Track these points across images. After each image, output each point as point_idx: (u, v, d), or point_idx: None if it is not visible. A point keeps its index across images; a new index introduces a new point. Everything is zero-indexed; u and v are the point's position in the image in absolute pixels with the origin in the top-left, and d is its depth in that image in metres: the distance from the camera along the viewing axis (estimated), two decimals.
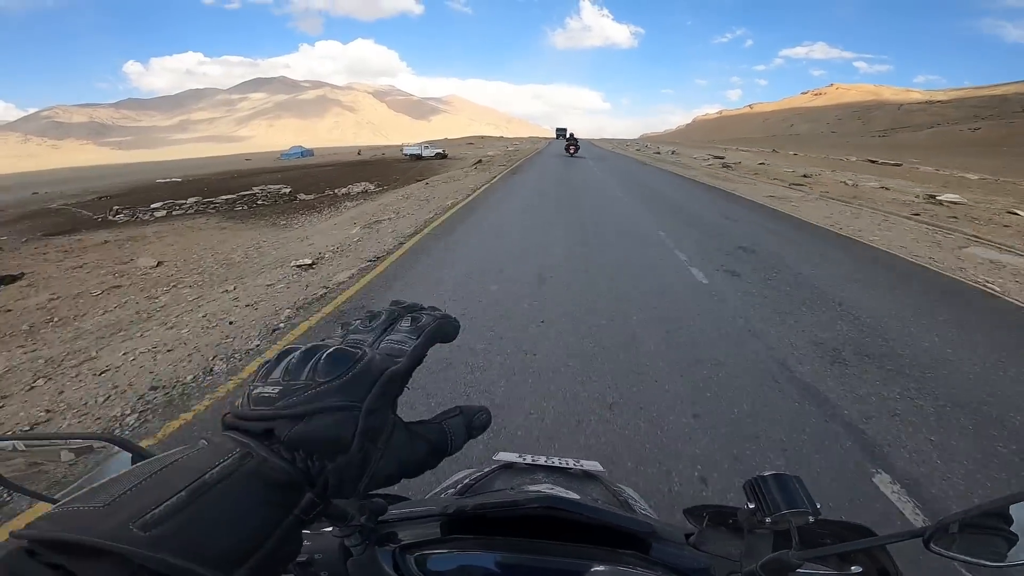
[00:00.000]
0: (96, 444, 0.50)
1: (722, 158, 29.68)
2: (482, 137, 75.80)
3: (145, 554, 0.20)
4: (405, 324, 0.33)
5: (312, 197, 15.29)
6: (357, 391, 0.28)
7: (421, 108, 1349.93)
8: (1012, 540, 0.42)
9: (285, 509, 0.25)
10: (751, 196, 10.72)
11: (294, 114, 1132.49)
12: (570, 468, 0.84)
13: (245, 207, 14.01)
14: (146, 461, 0.24)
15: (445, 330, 0.34)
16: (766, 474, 0.52)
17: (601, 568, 0.52)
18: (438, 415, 0.34)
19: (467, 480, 0.84)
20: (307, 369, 0.28)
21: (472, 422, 0.34)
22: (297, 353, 0.29)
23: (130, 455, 0.49)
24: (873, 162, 31.28)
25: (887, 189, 13.44)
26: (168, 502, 0.21)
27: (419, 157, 39.17)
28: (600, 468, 0.85)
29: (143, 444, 1.49)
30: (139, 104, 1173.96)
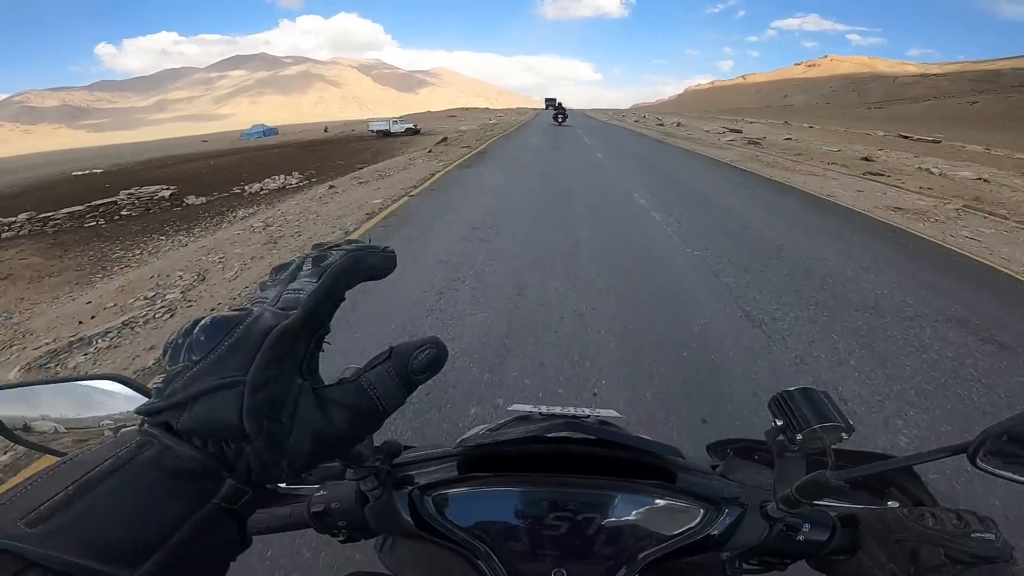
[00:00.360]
0: (106, 384, 0.48)
1: (740, 131, 25.47)
2: (467, 109, 70.65)
3: (32, 550, 0.19)
4: (307, 267, 0.28)
5: (203, 201, 11.39)
6: (238, 362, 0.24)
7: (408, 81, 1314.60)
8: None
9: (198, 499, 0.23)
10: (855, 204, 6.86)
11: (276, 90, 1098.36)
12: (587, 417, 0.80)
13: (101, 221, 10.14)
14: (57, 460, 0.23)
15: (365, 264, 0.28)
16: (792, 389, 0.49)
17: (625, 498, 0.51)
18: (364, 364, 0.28)
19: (482, 431, 0.79)
20: (183, 348, 0.25)
21: (409, 365, 0.28)
22: (178, 332, 0.26)
23: (137, 393, 0.48)
24: (906, 138, 27.55)
25: (986, 181, 9.86)
26: (55, 497, 0.20)
27: (387, 133, 35.08)
28: (617, 415, 0.83)
29: None
30: (114, 86, 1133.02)
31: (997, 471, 0.40)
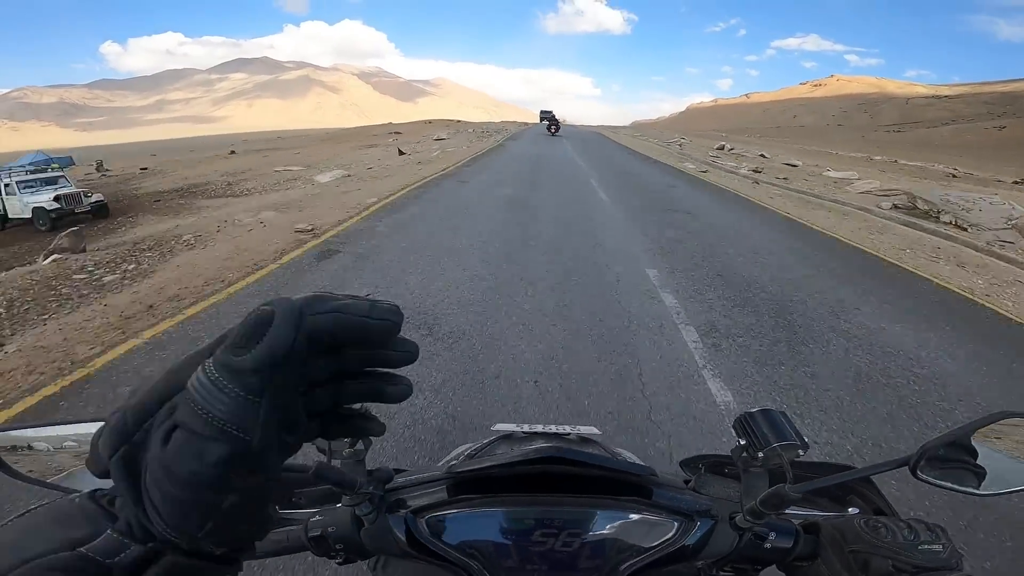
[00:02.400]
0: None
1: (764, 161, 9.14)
2: (455, 121, 55.25)
3: None
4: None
5: None
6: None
7: (408, 90, 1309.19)
8: (983, 467, 0.44)
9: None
10: None
11: (274, 94, 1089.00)
12: (568, 434, 0.87)
13: None
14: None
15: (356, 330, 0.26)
16: (753, 410, 0.52)
17: (606, 515, 0.54)
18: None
19: (468, 452, 0.85)
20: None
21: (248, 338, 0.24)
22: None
23: None
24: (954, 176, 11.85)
25: None
26: None
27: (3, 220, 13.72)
28: (597, 432, 0.87)
29: None
30: (113, 84, 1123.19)
31: (936, 481, 0.44)
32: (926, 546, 0.45)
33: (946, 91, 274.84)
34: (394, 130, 35.44)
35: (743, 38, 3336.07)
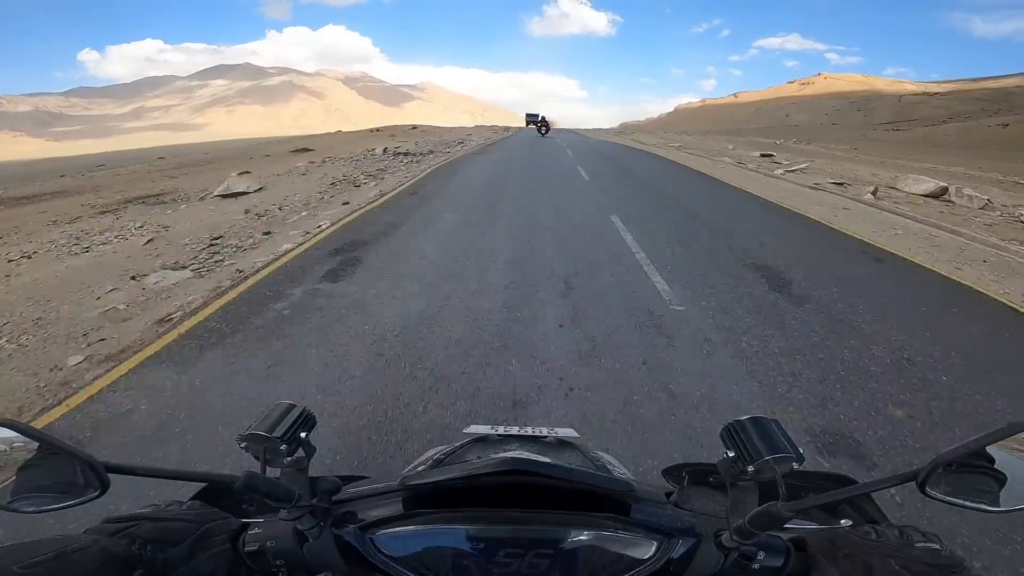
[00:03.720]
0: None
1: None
2: (412, 128, 45.41)
3: None
4: None
5: None
6: None
7: (394, 95, 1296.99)
8: (1001, 479, 0.41)
9: None
10: None
11: (257, 100, 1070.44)
12: (544, 436, 0.82)
13: None
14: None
15: None
16: (743, 419, 0.49)
17: (579, 533, 0.49)
18: None
19: (436, 456, 0.79)
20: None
21: None
22: None
23: (32, 440, 0.43)
24: None
25: None
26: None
27: None
28: (576, 435, 0.83)
29: None
30: (91, 92, 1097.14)
31: (945, 497, 0.41)
32: (923, 544, 0.43)
33: (935, 88, 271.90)
34: (304, 146, 25.77)
35: (726, 38, 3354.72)
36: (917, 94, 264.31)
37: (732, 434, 0.49)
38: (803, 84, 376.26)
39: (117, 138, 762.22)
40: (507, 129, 57.95)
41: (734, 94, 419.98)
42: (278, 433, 0.47)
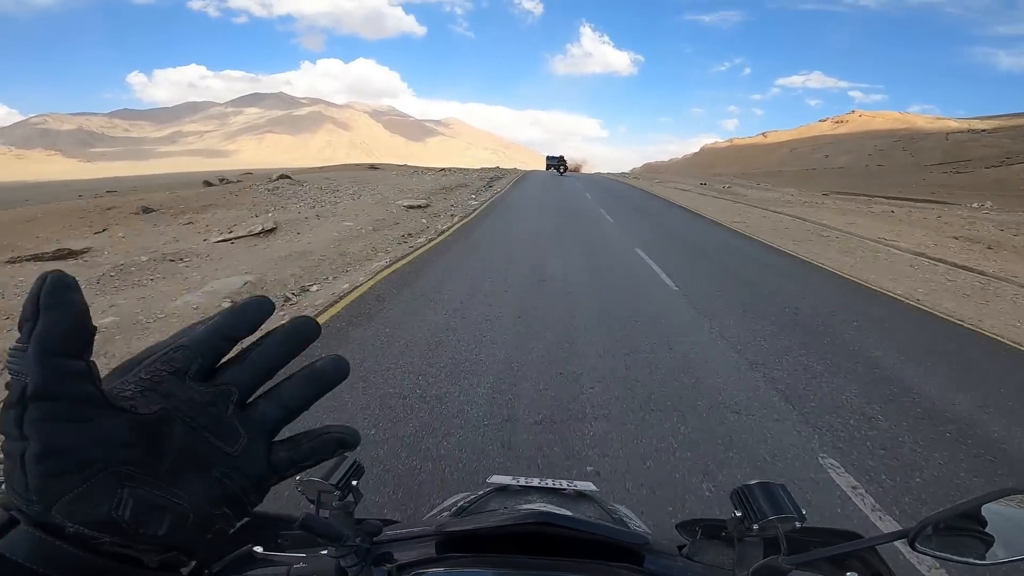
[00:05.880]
0: None
1: None
2: (405, 167, 31.06)
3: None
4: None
5: None
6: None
7: (418, 130, 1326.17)
8: (989, 541, 0.43)
9: None
10: None
11: (286, 130, 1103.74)
12: (564, 489, 0.86)
13: None
14: None
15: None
16: (752, 483, 0.52)
17: None
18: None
19: (461, 503, 0.85)
20: None
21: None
22: None
23: None
24: None
25: None
26: None
27: None
28: (594, 488, 0.87)
29: None
30: (133, 115, 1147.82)
31: (935, 552, 0.44)
32: None
33: (981, 125, 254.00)
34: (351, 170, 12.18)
35: (747, 77, 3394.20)
36: (963, 131, 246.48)
37: (740, 496, 0.52)
38: (837, 122, 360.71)
39: (151, 162, 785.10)
40: (523, 171, 45.81)
41: (763, 133, 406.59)
42: (333, 480, 0.50)
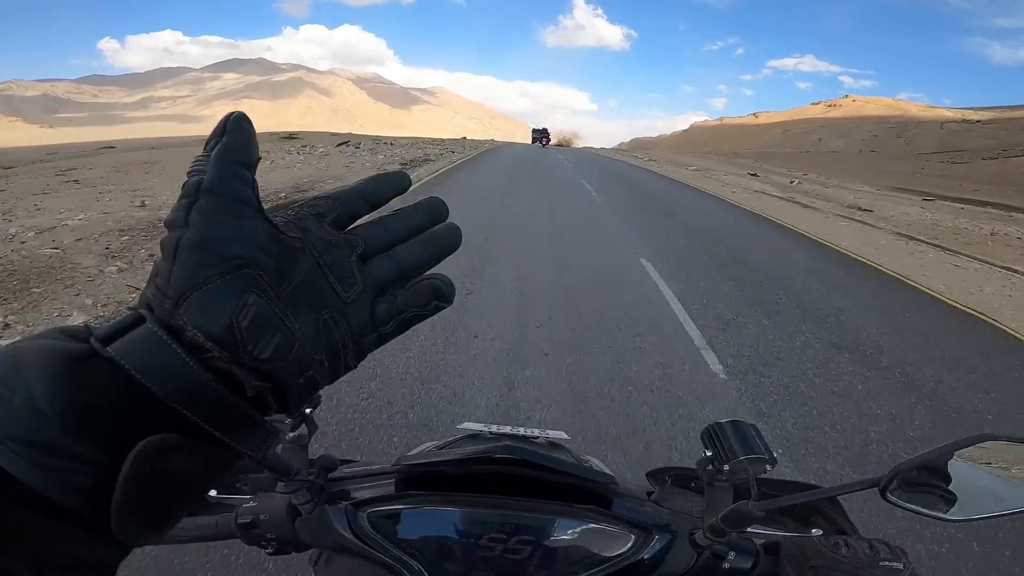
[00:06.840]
0: None
1: None
2: (346, 136, 21.59)
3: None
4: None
5: None
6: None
7: (403, 98, 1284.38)
8: (952, 499, 0.43)
9: None
10: None
11: (264, 95, 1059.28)
12: (536, 437, 0.84)
13: None
14: None
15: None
16: (723, 421, 0.51)
17: (561, 523, 0.52)
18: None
19: (430, 449, 0.83)
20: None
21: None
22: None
23: None
24: None
25: None
26: None
27: None
28: (566, 437, 0.85)
29: None
30: (104, 80, 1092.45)
31: (905, 504, 0.43)
32: (887, 563, 0.45)
33: (973, 115, 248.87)
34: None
35: (740, 57, 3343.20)
36: (957, 121, 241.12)
37: (711, 435, 0.50)
38: (830, 106, 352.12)
39: (120, 127, 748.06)
40: (495, 141, 42.45)
41: (754, 113, 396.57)
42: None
